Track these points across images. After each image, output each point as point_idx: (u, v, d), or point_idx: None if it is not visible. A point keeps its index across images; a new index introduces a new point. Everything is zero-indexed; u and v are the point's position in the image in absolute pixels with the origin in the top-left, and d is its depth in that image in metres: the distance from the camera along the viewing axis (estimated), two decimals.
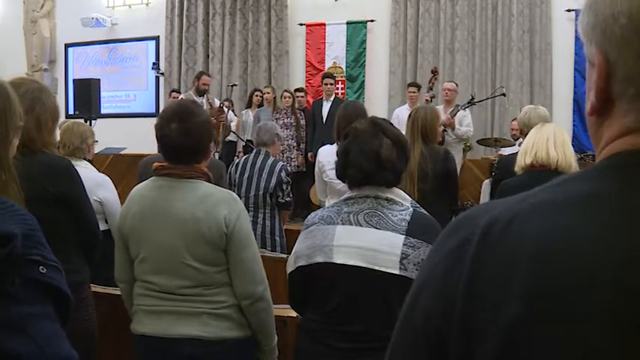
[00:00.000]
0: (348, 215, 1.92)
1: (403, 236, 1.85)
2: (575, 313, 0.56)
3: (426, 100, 6.60)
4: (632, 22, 0.60)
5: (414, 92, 7.34)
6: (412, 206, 1.96)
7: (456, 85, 7.18)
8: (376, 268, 1.84)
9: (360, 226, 1.89)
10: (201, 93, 7.18)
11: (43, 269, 1.03)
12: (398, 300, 1.78)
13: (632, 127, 0.63)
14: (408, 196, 2.00)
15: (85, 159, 3.38)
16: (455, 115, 6.51)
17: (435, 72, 7.01)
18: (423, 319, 0.66)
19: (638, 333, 0.53)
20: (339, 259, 1.89)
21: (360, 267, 1.86)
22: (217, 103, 7.53)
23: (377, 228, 1.88)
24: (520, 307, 0.58)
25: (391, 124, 2.06)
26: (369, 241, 1.87)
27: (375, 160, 1.90)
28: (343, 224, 1.91)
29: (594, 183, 0.62)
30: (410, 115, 3.78)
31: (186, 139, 2.07)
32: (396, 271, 1.82)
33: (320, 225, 1.96)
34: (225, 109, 7.41)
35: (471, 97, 7.00)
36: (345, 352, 1.89)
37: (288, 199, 4.29)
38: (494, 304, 0.60)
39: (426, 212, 2.01)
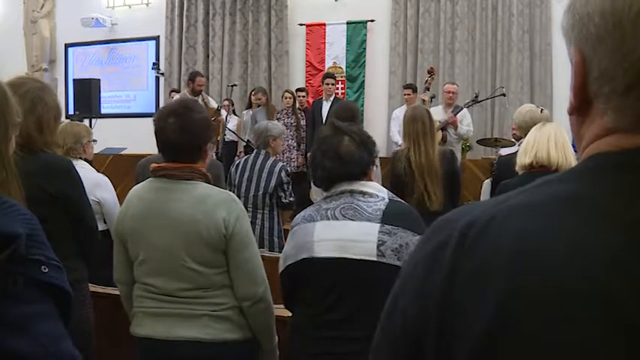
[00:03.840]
0: (326, 211, 2.01)
1: (379, 224, 1.93)
2: (548, 315, 0.56)
3: (423, 100, 6.57)
4: (605, 20, 0.61)
5: (408, 94, 7.35)
6: (389, 197, 2.03)
7: (457, 85, 7.17)
8: (354, 257, 1.92)
9: (337, 219, 1.98)
10: (196, 94, 7.18)
11: (45, 269, 1.03)
12: (378, 286, 1.85)
13: (610, 128, 0.63)
14: (384, 189, 2.08)
15: (82, 159, 3.37)
16: (457, 113, 6.51)
17: (431, 72, 6.99)
18: (402, 321, 0.67)
19: (613, 333, 0.54)
20: (319, 254, 1.98)
21: (339, 258, 1.94)
22: (212, 103, 7.51)
23: (353, 220, 1.96)
24: (496, 309, 0.58)
25: (356, 127, 2.14)
26: (344, 232, 1.95)
27: (335, 157, 2.00)
28: (322, 220, 2.00)
29: (572, 185, 0.63)
30: (415, 116, 3.67)
31: (182, 133, 2.06)
32: (374, 258, 1.91)
33: (302, 224, 2.06)
34: (224, 111, 7.40)
35: (474, 96, 6.97)
36: (328, 340, 1.95)
37: (291, 199, 4.30)
38: (471, 307, 0.60)
39: (403, 202, 2.11)
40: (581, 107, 0.66)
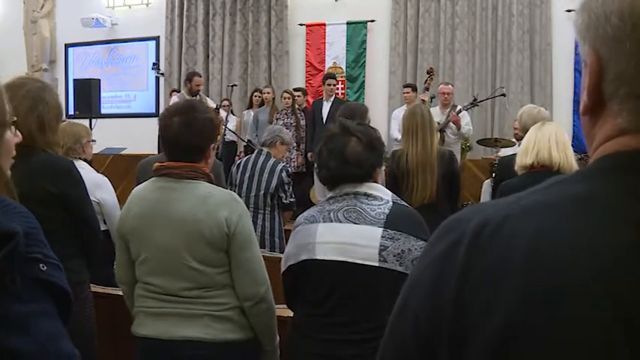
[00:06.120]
0: (329, 213, 1.99)
1: (381, 229, 1.91)
2: (556, 314, 0.56)
3: (423, 100, 6.57)
4: (623, 22, 0.60)
5: (408, 93, 7.39)
6: (393, 200, 2.01)
7: (452, 86, 7.17)
8: (355, 261, 1.91)
9: (340, 222, 1.96)
10: (194, 94, 7.18)
11: (43, 267, 1.03)
12: (380, 291, 1.87)
13: (624, 128, 0.63)
14: (389, 192, 2.06)
15: (82, 159, 3.36)
16: (459, 113, 6.53)
17: (430, 72, 6.98)
18: (413, 322, 0.66)
19: (614, 333, 0.54)
20: (320, 256, 1.96)
21: (340, 261, 1.93)
22: (210, 103, 7.50)
23: (355, 223, 1.94)
24: (511, 309, 0.58)
25: (371, 127, 2.12)
26: (346, 235, 1.94)
27: (341, 158, 1.98)
28: (324, 222, 1.99)
29: (585, 185, 0.62)
30: (414, 112, 3.63)
31: (186, 131, 2.07)
32: (375, 263, 1.89)
33: (304, 225, 2.05)
34: (223, 111, 7.40)
35: (473, 99, 6.97)
36: (329, 342, 1.95)
37: (292, 199, 4.32)
38: (485, 307, 0.60)
39: (406, 205, 2.08)
40: (594, 107, 0.66)
